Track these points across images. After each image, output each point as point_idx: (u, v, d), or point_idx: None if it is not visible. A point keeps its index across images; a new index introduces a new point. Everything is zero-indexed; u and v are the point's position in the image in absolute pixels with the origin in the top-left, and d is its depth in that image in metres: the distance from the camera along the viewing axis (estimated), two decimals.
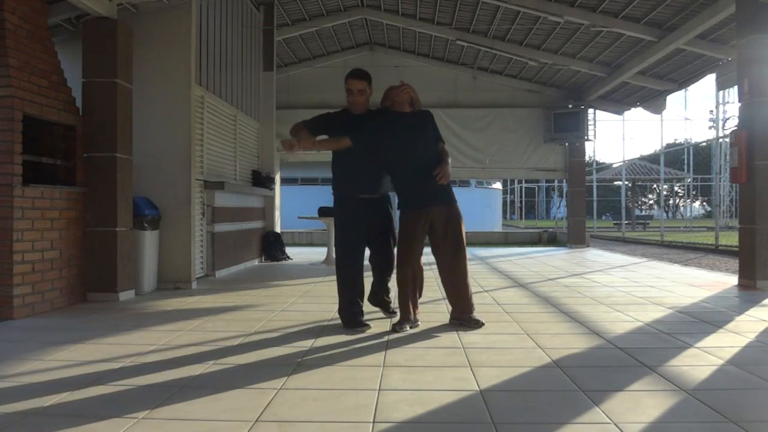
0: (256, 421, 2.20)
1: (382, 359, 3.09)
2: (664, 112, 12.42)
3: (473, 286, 4.18)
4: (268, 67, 9.17)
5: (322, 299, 5.11)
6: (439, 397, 2.47)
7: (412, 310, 3.92)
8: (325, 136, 4.09)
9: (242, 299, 5.18)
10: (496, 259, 9.49)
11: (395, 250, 4.06)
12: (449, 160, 3.92)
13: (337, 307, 4.03)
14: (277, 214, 9.69)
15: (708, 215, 38.47)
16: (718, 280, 6.57)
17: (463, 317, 3.99)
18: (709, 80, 29.94)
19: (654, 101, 11.18)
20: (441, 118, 11.58)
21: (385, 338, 3.61)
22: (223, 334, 3.71)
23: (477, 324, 3.94)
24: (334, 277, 4.15)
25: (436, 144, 3.97)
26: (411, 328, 3.87)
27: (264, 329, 3.89)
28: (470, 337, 3.65)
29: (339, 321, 4.07)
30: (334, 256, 9.29)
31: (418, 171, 3.88)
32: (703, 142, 28.95)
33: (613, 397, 2.46)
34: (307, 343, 3.46)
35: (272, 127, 9.26)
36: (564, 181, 14.70)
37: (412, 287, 3.94)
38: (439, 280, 6.36)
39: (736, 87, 6.76)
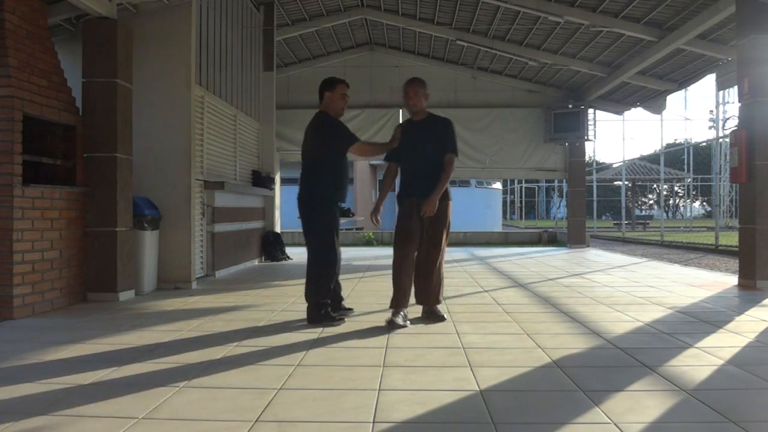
0: (256, 421, 2.20)
1: (382, 359, 3.09)
2: (664, 112, 12.43)
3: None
4: (268, 67, 9.17)
5: None
6: (439, 397, 2.47)
7: (405, 299, 4.02)
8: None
9: (242, 299, 5.18)
10: (496, 259, 9.50)
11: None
12: (448, 175, 4.11)
13: (324, 307, 4.05)
14: (277, 214, 9.69)
15: (708, 215, 38.46)
16: (718, 280, 6.57)
17: (431, 310, 4.16)
18: (709, 80, 29.95)
19: (654, 101, 11.18)
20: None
21: (385, 338, 3.61)
22: (223, 334, 3.71)
23: (441, 319, 4.10)
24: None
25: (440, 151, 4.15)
26: (404, 321, 3.95)
27: (264, 329, 3.89)
28: (470, 337, 3.65)
29: (341, 323, 4.09)
30: None
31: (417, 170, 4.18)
32: (703, 142, 28.97)
33: (613, 397, 2.46)
34: (307, 343, 3.46)
35: (272, 127, 9.26)
36: (564, 181, 14.70)
37: (406, 277, 4.04)
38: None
39: (736, 87, 6.75)
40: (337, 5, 9.75)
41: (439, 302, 4.21)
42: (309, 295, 4.10)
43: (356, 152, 4.19)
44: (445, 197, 4.10)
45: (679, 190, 40.86)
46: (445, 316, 4.19)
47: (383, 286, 6.05)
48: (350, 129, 4.21)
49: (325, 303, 4.09)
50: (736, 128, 6.28)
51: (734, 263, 8.72)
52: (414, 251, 4.09)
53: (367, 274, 7.25)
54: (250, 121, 8.60)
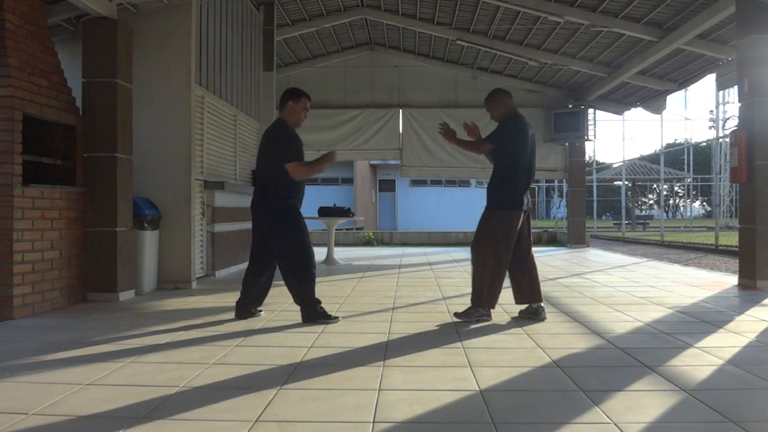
0: (256, 421, 2.20)
1: (382, 359, 3.09)
2: (664, 112, 12.43)
3: (471, 286, 4.19)
4: (268, 67, 9.15)
5: (321, 299, 5.09)
6: (439, 397, 2.47)
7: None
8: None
9: None
10: None
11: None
12: (470, 145, 4.32)
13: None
14: None
15: (708, 215, 38.44)
16: (718, 280, 6.57)
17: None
18: (709, 80, 29.95)
19: (654, 101, 11.18)
20: (441, 118, 11.59)
21: (385, 338, 3.61)
22: (223, 334, 3.71)
23: (468, 317, 4.08)
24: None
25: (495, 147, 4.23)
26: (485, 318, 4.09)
27: (264, 329, 3.89)
28: (470, 337, 3.65)
29: (336, 321, 4.10)
30: (334, 256, 9.25)
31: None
32: (703, 142, 28.96)
33: (613, 397, 2.46)
34: (307, 343, 3.46)
35: None
36: (564, 181, 14.69)
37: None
38: (438, 280, 6.37)
39: (736, 87, 6.75)
40: (337, 5, 9.75)
41: (475, 304, 4.13)
42: (299, 296, 4.13)
43: (290, 170, 4.03)
44: (491, 205, 4.17)
45: (679, 190, 40.86)
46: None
47: (383, 286, 6.06)
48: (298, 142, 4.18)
49: (317, 300, 4.13)
50: (736, 128, 6.28)
51: (734, 263, 8.72)
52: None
53: (367, 274, 7.25)
54: (250, 121, 8.60)
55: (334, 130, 11.59)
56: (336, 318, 4.15)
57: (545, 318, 4.18)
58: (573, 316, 4.36)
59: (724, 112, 25.74)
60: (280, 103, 4.26)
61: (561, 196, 28.15)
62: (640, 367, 2.93)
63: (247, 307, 4.27)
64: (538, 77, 11.54)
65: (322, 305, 4.16)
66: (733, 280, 6.40)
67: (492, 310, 4.17)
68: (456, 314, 4.15)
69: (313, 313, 4.09)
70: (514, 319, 4.22)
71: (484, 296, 4.07)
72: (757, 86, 5.89)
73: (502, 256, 4.06)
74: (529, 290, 4.21)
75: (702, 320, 4.14)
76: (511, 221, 4.08)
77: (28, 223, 4.27)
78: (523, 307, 4.28)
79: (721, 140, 19.98)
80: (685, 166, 29.68)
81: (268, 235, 4.15)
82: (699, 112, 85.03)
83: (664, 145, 29.24)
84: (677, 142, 40.58)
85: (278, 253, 4.15)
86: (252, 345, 3.44)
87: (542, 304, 4.22)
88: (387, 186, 25.41)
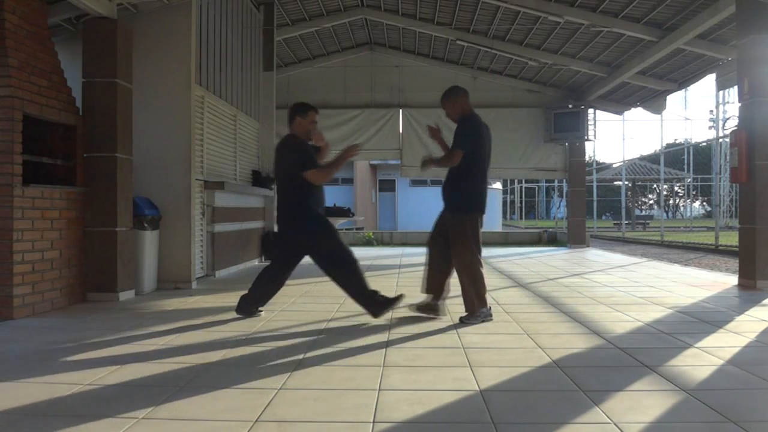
0: (256, 421, 2.20)
1: (382, 359, 3.09)
2: (664, 112, 12.43)
3: (462, 296, 4.18)
4: (268, 67, 9.16)
5: (322, 299, 5.11)
6: (439, 397, 2.47)
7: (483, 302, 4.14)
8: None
9: None
10: (496, 259, 9.49)
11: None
12: (442, 161, 4.28)
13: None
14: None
15: (708, 215, 38.44)
16: (718, 280, 6.57)
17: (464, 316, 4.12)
18: (709, 80, 29.97)
19: (654, 101, 11.18)
20: (440, 117, 11.60)
21: (386, 338, 3.61)
22: (222, 335, 3.71)
23: (474, 320, 4.08)
24: None
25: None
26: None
27: (264, 329, 3.89)
28: (470, 337, 3.65)
29: (338, 321, 4.09)
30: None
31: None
32: (703, 142, 28.97)
33: (613, 397, 2.47)
34: (307, 343, 3.46)
35: (272, 127, 9.25)
36: (564, 181, 14.70)
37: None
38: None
39: (736, 87, 6.75)
40: (337, 5, 9.75)
41: (471, 311, 4.13)
42: (355, 294, 4.12)
43: (310, 177, 4.11)
44: (460, 210, 4.15)
45: (679, 190, 40.88)
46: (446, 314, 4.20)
47: (383, 286, 6.03)
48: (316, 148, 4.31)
49: (374, 292, 4.11)
50: (736, 128, 6.28)
51: (734, 263, 8.72)
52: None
53: (367, 274, 7.21)
54: (250, 121, 8.60)
55: (334, 130, 11.58)
56: (400, 296, 4.13)
57: (444, 315, 4.24)
58: (573, 316, 4.36)
59: (724, 112, 25.74)
60: (288, 119, 4.32)
61: (561, 196, 28.16)
62: (640, 367, 2.93)
63: (250, 305, 4.26)
64: (538, 77, 11.54)
65: (381, 293, 4.13)
66: (733, 280, 6.40)
67: (490, 307, 4.19)
68: (461, 320, 4.13)
69: (378, 304, 4.07)
70: (514, 319, 4.22)
71: (475, 301, 4.09)
72: (757, 86, 5.89)
73: (476, 257, 4.12)
74: (439, 286, 4.27)
75: (702, 320, 4.14)
76: (477, 223, 4.17)
77: (28, 223, 4.27)
78: (424, 297, 4.32)
79: (721, 140, 19.99)
80: (685, 166, 29.68)
81: (306, 248, 4.20)
82: (699, 112, 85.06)
83: (664, 145, 29.27)
84: (677, 142, 40.60)
85: (322, 261, 4.18)
86: (252, 345, 3.44)
87: (441, 303, 4.28)
88: (387, 186, 25.41)
